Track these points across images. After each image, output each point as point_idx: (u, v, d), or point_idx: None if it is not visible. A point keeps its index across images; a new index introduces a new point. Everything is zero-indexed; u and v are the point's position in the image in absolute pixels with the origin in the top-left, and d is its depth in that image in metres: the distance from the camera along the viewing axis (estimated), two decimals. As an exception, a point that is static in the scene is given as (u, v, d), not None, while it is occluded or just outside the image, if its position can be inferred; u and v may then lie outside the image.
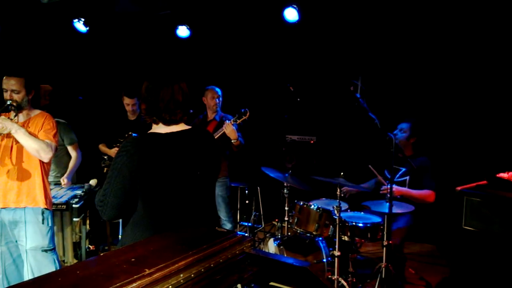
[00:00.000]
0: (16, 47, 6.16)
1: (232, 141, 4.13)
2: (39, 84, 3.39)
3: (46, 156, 2.94)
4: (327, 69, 5.34)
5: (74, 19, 5.49)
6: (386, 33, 4.87)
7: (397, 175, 3.74)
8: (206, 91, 4.51)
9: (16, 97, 2.97)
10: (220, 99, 4.48)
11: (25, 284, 1.28)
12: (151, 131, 2.00)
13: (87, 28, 5.53)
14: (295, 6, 4.73)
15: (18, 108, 2.99)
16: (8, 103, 2.95)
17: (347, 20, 5.00)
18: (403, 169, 3.73)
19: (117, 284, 1.19)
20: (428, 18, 4.60)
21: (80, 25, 5.50)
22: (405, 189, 3.59)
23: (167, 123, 1.98)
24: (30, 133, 2.90)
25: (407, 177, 3.67)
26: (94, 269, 1.31)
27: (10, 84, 2.95)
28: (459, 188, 3.01)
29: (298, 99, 4.32)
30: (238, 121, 4.15)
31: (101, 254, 1.52)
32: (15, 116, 2.96)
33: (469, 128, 4.60)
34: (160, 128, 1.99)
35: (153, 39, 6.21)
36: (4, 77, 2.97)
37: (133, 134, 4.47)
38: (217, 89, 4.50)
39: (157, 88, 1.94)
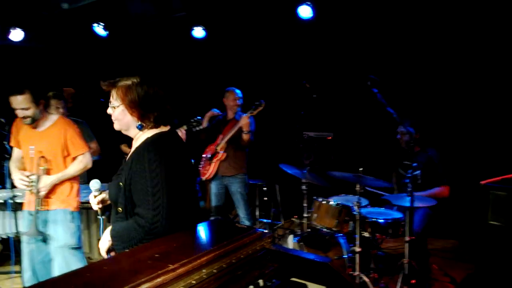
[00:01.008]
0: (40, 51, 6.32)
1: (244, 131, 4.17)
2: (46, 91, 3.50)
3: (90, 164, 3.22)
4: (342, 64, 5.32)
5: (94, 23, 5.60)
6: (400, 27, 4.83)
7: (409, 170, 3.66)
8: (227, 92, 4.54)
9: (28, 113, 3.01)
10: (241, 101, 4.51)
11: (56, 280, 1.34)
12: (156, 132, 1.93)
13: (107, 32, 5.64)
14: (308, 3, 4.73)
15: (33, 121, 3.07)
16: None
17: (361, 15, 4.96)
18: (415, 164, 3.65)
19: (142, 279, 1.23)
20: (441, 13, 4.54)
21: (100, 29, 5.61)
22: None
23: (164, 124, 1.94)
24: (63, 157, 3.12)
25: (419, 172, 3.59)
26: (120, 265, 1.36)
27: (18, 103, 2.97)
28: (483, 182, 2.95)
29: (314, 96, 4.31)
30: (254, 113, 4.17)
31: (126, 251, 1.57)
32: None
33: (492, 119, 4.52)
34: (154, 131, 1.94)
35: (169, 41, 6.29)
36: (10, 97, 2.98)
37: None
38: (237, 91, 4.54)
39: (152, 91, 1.88)
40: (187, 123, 4.16)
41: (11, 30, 5.46)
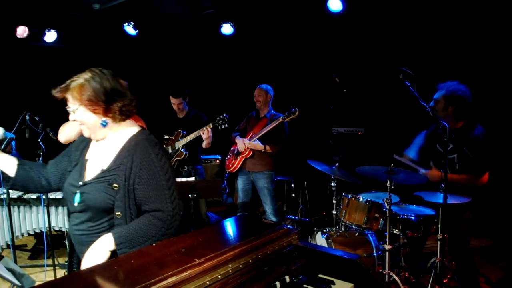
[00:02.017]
0: (74, 51, 6.51)
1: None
2: None
3: None
4: (373, 58, 5.21)
5: (125, 23, 5.71)
6: (431, 18, 4.68)
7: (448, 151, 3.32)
8: (258, 89, 4.53)
9: None
10: (261, 98, 4.46)
11: (85, 272, 1.36)
12: (138, 130, 1.87)
13: (137, 31, 5.74)
14: (339, -4, 4.65)
15: None
16: None
17: (391, 8, 4.84)
18: (451, 146, 3.30)
19: (169, 273, 1.24)
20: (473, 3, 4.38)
21: (130, 29, 5.72)
22: (442, 174, 3.10)
23: (130, 114, 1.87)
24: None
25: (455, 155, 3.28)
26: (147, 259, 1.37)
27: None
28: None
29: (344, 90, 4.24)
30: (287, 119, 4.18)
31: (154, 245, 1.59)
32: None
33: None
34: (131, 127, 1.88)
35: (198, 38, 6.34)
36: None
37: (182, 132, 4.63)
38: (269, 88, 4.51)
39: (107, 82, 1.78)
40: (213, 121, 4.19)
41: (46, 32, 5.64)
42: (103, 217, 1.77)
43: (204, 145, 4.35)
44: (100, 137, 1.85)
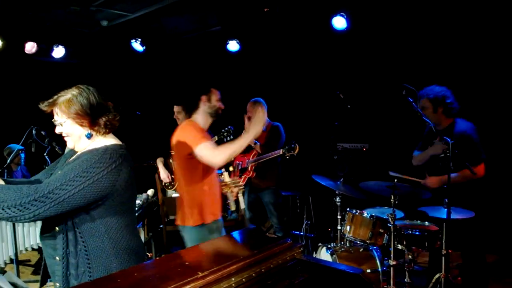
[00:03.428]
0: (82, 66, 6.61)
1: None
2: None
3: None
4: (376, 74, 5.25)
5: (132, 39, 5.81)
6: (433, 36, 4.72)
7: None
8: (255, 104, 4.54)
9: None
10: (249, 113, 4.45)
11: (87, 285, 1.37)
12: (107, 144, 1.88)
13: (144, 48, 5.83)
14: (343, 14, 4.71)
15: None
16: None
17: (395, 26, 4.90)
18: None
19: (172, 286, 1.25)
20: (475, 20, 4.42)
21: (137, 45, 5.82)
22: (440, 178, 3.29)
23: (113, 128, 1.94)
24: None
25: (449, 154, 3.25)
26: (150, 272, 1.38)
27: None
28: None
29: (349, 106, 4.27)
30: (287, 155, 3.98)
31: (157, 258, 1.59)
32: None
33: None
34: (103, 141, 1.91)
35: (204, 54, 6.41)
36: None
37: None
38: (251, 102, 4.49)
39: (93, 98, 1.86)
40: (218, 134, 4.23)
41: (54, 48, 5.75)
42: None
43: None
44: (82, 147, 1.92)
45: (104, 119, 1.87)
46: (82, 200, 1.70)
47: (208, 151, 2.68)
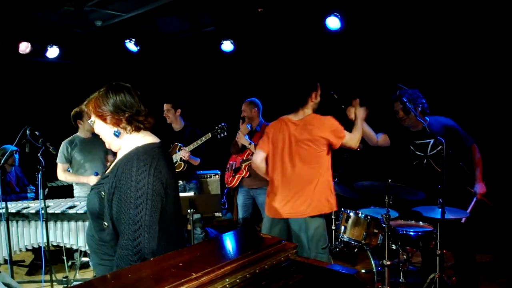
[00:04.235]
0: (76, 66, 6.58)
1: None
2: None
3: None
4: (370, 75, 5.26)
5: (126, 39, 5.79)
6: (428, 36, 4.75)
7: (429, 149, 3.50)
8: (249, 104, 4.54)
9: None
10: (246, 114, 4.44)
11: (81, 286, 1.37)
12: (148, 142, 1.85)
13: (138, 48, 5.81)
14: (337, 14, 4.72)
15: None
16: None
17: (389, 26, 4.92)
18: (431, 141, 3.45)
19: (166, 287, 1.24)
20: (470, 21, 4.45)
21: (131, 45, 5.80)
22: (479, 178, 3.38)
23: (142, 125, 1.88)
24: None
25: (440, 147, 3.32)
26: (144, 273, 1.38)
27: None
28: None
29: (343, 107, 4.28)
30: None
31: (151, 259, 1.59)
32: None
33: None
34: (142, 138, 1.88)
35: (199, 54, 6.40)
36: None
37: (180, 145, 4.67)
38: (245, 102, 4.49)
39: (117, 95, 1.84)
40: (211, 130, 4.24)
41: (48, 48, 5.72)
42: (99, 226, 1.80)
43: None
44: (116, 148, 1.91)
45: (126, 115, 1.82)
46: (157, 210, 1.70)
47: (352, 139, 3.21)
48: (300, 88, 3.24)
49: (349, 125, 4.80)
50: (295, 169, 3.11)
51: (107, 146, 1.93)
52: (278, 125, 3.23)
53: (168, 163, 1.84)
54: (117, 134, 1.85)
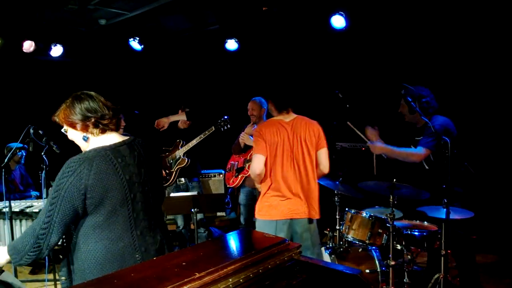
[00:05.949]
0: (80, 65, 6.59)
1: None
2: None
3: None
4: (376, 74, 5.24)
5: (130, 38, 5.79)
6: (433, 35, 4.72)
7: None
8: (253, 103, 4.53)
9: None
10: (255, 112, 4.43)
11: (83, 285, 1.36)
12: (100, 144, 1.94)
13: (142, 46, 5.81)
14: (341, 13, 4.70)
15: None
16: None
17: (394, 24, 4.89)
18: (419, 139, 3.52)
19: (169, 286, 1.24)
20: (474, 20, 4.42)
21: (135, 44, 5.79)
22: (387, 147, 3.55)
23: (108, 127, 1.98)
24: None
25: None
26: (147, 272, 1.37)
27: None
28: None
29: (348, 106, 4.26)
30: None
31: (154, 258, 1.58)
32: None
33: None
34: (98, 141, 1.97)
35: (202, 53, 6.40)
36: None
37: (183, 141, 4.67)
38: (254, 100, 4.47)
39: (81, 103, 1.95)
40: (215, 124, 4.23)
41: (52, 47, 5.73)
42: None
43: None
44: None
45: (93, 120, 1.94)
46: (70, 214, 1.81)
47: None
48: (290, 89, 3.34)
49: (353, 125, 4.80)
50: (297, 170, 3.11)
51: (82, 150, 2.02)
52: (273, 128, 3.14)
53: (115, 163, 1.88)
54: (85, 139, 1.98)
